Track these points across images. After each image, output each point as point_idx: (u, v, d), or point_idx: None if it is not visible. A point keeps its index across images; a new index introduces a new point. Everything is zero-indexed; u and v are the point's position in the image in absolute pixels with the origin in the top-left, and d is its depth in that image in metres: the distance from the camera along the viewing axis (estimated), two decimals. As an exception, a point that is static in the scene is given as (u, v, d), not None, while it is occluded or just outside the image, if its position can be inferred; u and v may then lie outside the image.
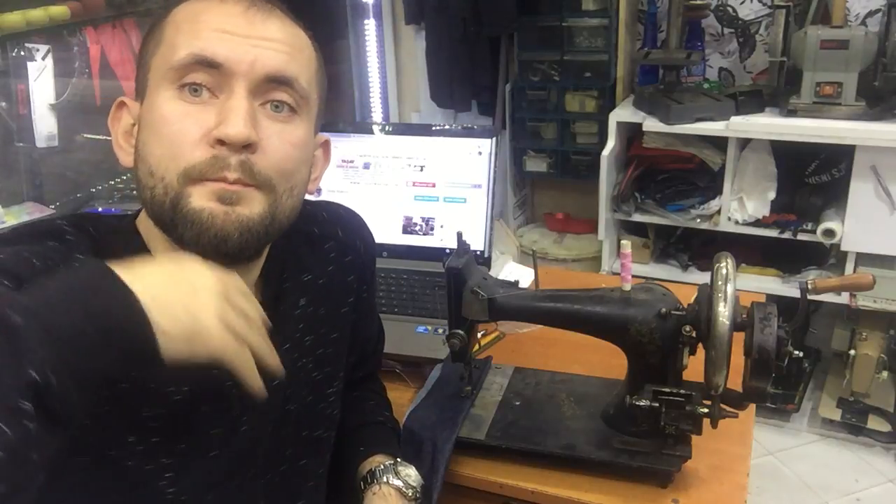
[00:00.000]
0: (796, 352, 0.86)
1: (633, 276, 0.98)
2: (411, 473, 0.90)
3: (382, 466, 0.89)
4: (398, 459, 0.91)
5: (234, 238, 0.68)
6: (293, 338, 0.82)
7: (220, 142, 0.66)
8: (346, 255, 0.89)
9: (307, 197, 0.78)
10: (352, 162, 1.41)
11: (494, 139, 1.35)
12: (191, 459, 0.73)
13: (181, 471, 0.72)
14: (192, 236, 0.67)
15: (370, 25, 2.97)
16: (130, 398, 0.68)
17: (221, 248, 0.68)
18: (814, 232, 2.15)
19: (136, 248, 0.72)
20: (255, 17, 0.69)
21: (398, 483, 0.88)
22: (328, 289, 0.86)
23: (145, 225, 0.73)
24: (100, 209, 1.90)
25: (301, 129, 0.73)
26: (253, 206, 0.69)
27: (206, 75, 0.67)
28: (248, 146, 0.67)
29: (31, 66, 1.82)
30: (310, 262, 0.85)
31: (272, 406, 0.79)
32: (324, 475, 0.89)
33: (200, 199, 0.67)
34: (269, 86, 0.69)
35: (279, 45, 0.70)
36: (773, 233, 2.21)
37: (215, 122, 0.67)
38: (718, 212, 2.26)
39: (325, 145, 0.82)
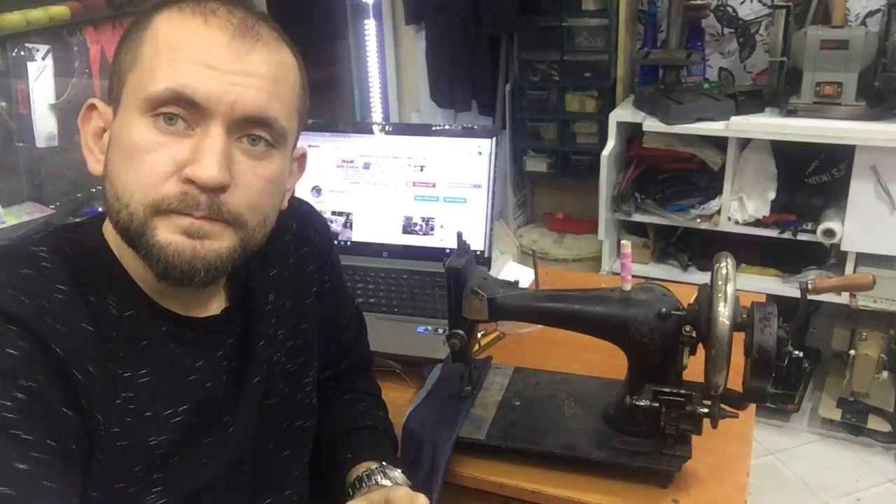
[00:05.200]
0: (796, 352, 0.86)
1: (633, 276, 0.97)
2: (397, 475, 0.90)
3: (369, 471, 0.89)
4: (384, 463, 0.91)
5: (200, 275, 0.68)
6: (267, 333, 0.82)
7: (191, 180, 0.65)
8: (303, 246, 0.90)
9: None
10: (352, 162, 1.41)
11: (494, 139, 1.35)
12: (182, 470, 0.72)
13: (172, 482, 0.71)
14: (159, 271, 0.67)
15: (370, 25, 2.98)
16: (138, 431, 0.68)
17: (186, 282, 0.68)
18: (814, 232, 2.15)
19: (111, 267, 0.72)
20: (240, 49, 0.66)
21: (386, 483, 0.88)
22: (292, 281, 0.87)
23: (114, 236, 0.72)
24: (99, 209, 1.89)
25: (276, 162, 0.72)
26: (222, 241, 0.69)
27: (183, 109, 0.65)
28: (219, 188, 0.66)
29: (31, 66, 1.82)
30: (272, 257, 0.85)
31: (255, 403, 0.80)
32: (307, 463, 0.90)
33: (166, 232, 0.66)
34: (247, 124, 0.68)
35: (262, 80, 0.68)
36: (773, 233, 2.21)
37: (188, 157, 0.65)
38: (718, 212, 2.26)
39: (302, 158, 0.81)
